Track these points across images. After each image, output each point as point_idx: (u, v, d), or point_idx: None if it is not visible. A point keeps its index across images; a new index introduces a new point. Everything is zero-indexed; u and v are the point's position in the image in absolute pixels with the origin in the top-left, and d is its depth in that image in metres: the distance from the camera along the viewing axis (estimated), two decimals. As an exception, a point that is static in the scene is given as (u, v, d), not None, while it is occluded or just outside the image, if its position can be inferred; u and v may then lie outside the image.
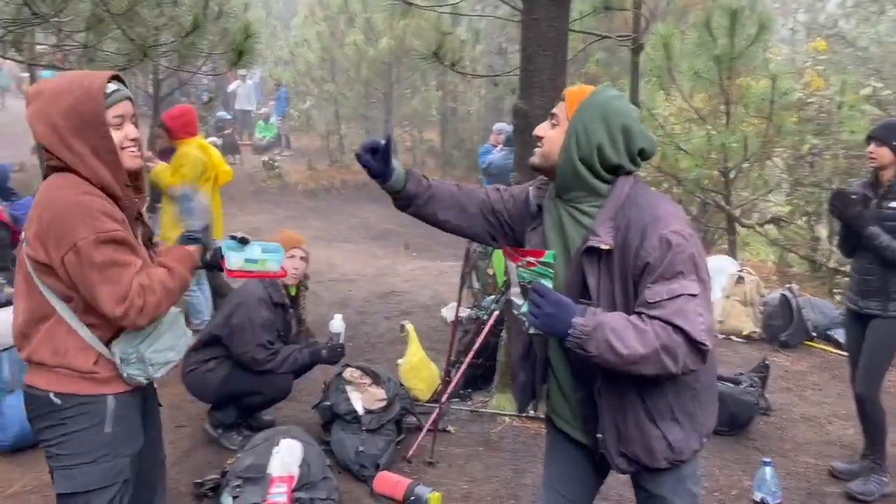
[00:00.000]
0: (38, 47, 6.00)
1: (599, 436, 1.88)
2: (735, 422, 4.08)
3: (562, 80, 3.94)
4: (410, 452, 3.71)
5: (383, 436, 3.61)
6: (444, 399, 3.96)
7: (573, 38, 4.82)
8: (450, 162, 16.18)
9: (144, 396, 2.11)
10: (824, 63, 9.85)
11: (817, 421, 4.41)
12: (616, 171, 1.84)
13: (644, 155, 1.87)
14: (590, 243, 1.78)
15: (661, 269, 1.71)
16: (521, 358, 2.09)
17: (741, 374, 4.41)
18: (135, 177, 2.01)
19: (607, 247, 1.76)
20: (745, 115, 7.02)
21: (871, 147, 3.38)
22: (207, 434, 3.83)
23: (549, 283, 1.75)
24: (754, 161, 7.39)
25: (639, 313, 1.71)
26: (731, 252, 7.66)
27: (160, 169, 5.00)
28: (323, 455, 3.29)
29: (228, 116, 15.44)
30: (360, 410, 3.60)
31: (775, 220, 8.52)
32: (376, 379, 3.74)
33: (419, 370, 4.47)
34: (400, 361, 4.58)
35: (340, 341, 3.71)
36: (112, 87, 1.90)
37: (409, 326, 4.67)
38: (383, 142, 1.95)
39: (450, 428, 4.05)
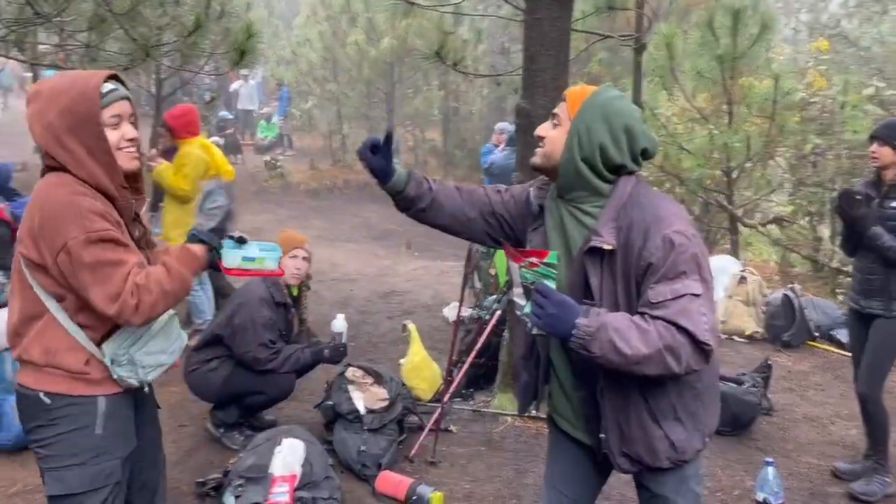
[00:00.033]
0: (41, 47, 6.02)
1: (602, 436, 1.88)
2: (737, 422, 4.08)
3: (564, 80, 3.94)
4: (412, 452, 3.71)
5: (385, 435, 3.61)
6: (446, 399, 3.96)
7: (576, 37, 4.83)
8: (452, 162, 16.18)
9: (141, 397, 2.08)
10: (827, 63, 9.85)
11: (820, 421, 4.40)
12: (618, 170, 1.84)
13: (646, 155, 1.87)
14: (592, 243, 1.77)
15: (664, 269, 1.70)
16: (524, 358, 2.09)
17: (743, 374, 4.40)
18: (134, 178, 1.98)
19: (610, 247, 1.75)
20: (747, 115, 7.01)
21: (874, 147, 3.38)
22: (209, 433, 3.83)
23: (552, 284, 1.74)
24: (757, 161, 7.39)
25: (642, 313, 1.70)
26: (734, 252, 7.65)
27: (162, 168, 4.98)
28: (325, 454, 3.29)
29: (230, 116, 15.41)
30: (362, 410, 3.60)
31: (778, 220, 8.51)
32: (378, 378, 3.75)
33: (421, 370, 4.47)
34: (402, 361, 4.59)
35: (342, 341, 3.72)
36: (109, 86, 1.88)
37: (411, 326, 4.66)
38: (385, 137, 1.94)
39: (452, 428, 4.05)
